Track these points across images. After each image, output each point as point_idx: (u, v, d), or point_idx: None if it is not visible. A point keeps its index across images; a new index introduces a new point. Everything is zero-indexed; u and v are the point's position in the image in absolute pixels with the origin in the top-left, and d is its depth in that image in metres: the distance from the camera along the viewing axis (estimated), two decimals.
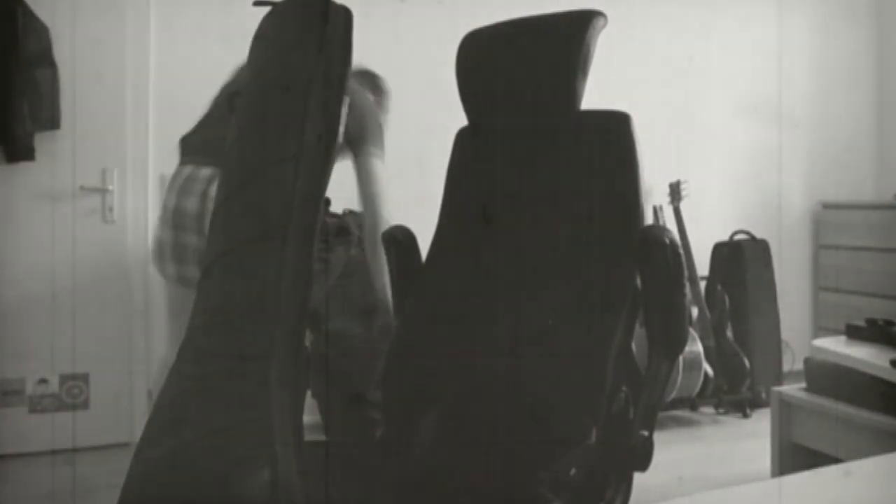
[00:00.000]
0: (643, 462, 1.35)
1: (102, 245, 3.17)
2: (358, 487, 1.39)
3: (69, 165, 3.09)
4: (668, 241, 1.38)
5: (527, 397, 1.43)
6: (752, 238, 3.92)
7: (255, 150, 1.39)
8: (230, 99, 1.52)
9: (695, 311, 3.56)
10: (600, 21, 1.56)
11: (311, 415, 3.41)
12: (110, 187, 3.16)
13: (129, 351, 3.18)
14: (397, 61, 3.52)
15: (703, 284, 3.69)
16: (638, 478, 1.39)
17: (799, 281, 4.37)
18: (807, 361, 2.47)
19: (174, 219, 2.14)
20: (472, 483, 1.35)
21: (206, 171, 2.12)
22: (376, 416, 2.51)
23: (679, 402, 3.47)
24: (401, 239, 1.73)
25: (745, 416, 3.58)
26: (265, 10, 1.50)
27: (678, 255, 1.37)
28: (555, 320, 1.48)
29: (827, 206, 4.36)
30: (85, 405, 3.11)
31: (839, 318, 3.20)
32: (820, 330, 4.20)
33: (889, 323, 2.43)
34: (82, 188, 3.12)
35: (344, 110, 1.30)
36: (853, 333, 2.46)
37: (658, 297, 1.39)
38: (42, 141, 3.03)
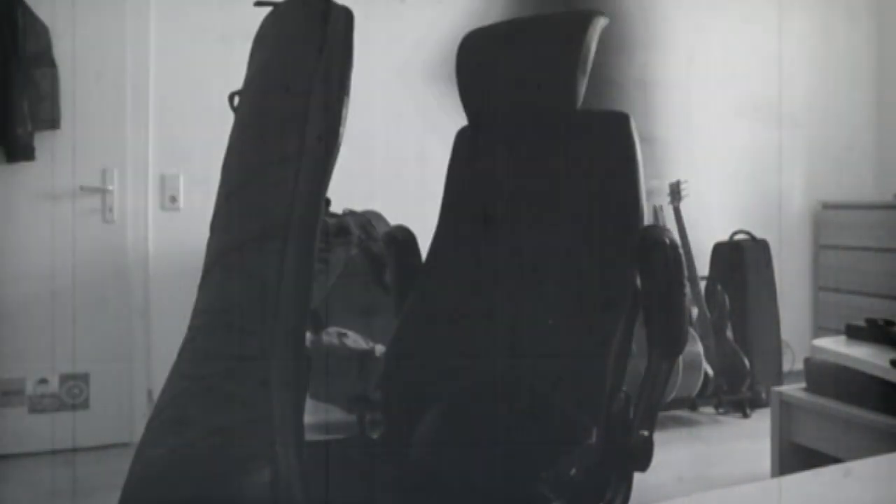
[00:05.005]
0: (643, 462, 1.35)
1: (102, 245, 3.17)
2: (358, 487, 1.39)
3: (69, 165, 3.09)
4: (668, 241, 1.38)
5: (527, 397, 1.43)
6: (752, 238, 3.93)
7: (255, 150, 1.39)
8: (231, 98, 1.52)
9: (695, 311, 3.56)
10: (600, 21, 1.56)
11: (310, 415, 3.41)
12: (110, 187, 3.16)
13: (129, 351, 3.18)
14: (397, 61, 3.52)
15: (703, 284, 3.69)
16: (638, 478, 1.39)
17: (799, 281, 4.37)
18: (807, 361, 2.47)
19: None
20: (471, 483, 1.35)
21: None
22: (377, 416, 2.50)
23: (679, 402, 3.47)
24: (401, 239, 1.73)
25: (745, 416, 3.58)
26: (266, 10, 1.50)
27: (678, 255, 1.37)
28: (555, 320, 1.48)
29: (827, 206, 4.36)
30: (85, 405, 3.11)
31: (839, 318, 3.21)
32: (820, 330, 4.20)
33: (889, 323, 2.43)
34: (82, 188, 3.12)
35: (344, 111, 1.30)
36: (853, 333, 2.46)
37: (658, 297, 1.39)
38: (42, 141, 3.03)
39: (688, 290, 1.43)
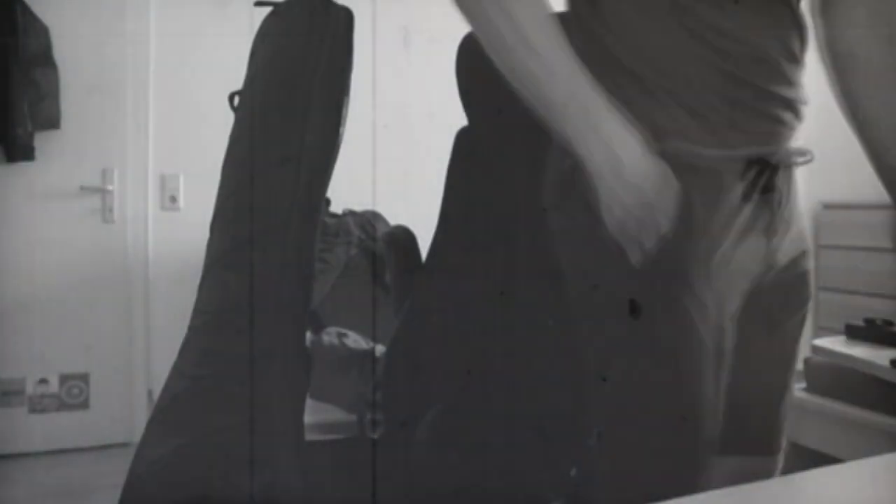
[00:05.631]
0: None
1: (102, 245, 3.17)
2: (358, 487, 1.39)
3: (69, 165, 3.09)
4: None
5: (526, 397, 1.43)
6: None
7: (255, 150, 1.39)
8: (231, 98, 1.52)
9: None
10: None
11: (310, 415, 3.41)
12: (110, 187, 3.16)
13: (129, 351, 3.18)
14: (398, 60, 3.53)
15: None
16: None
17: None
18: (807, 361, 2.47)
19: None
20: (471, 483, 1.35)
21: None
22: (377, 416, 2.50)
23: None
24: (401, 239, 1.74)
25: None
26: (266, 10, 1.50)
27: None
28: (555, 321, 1.48)
29: (827, 206, 4.36)
30: (85, 405, 3.11)
31: (839, 318, 3.20)
32: (820, 330, 4.19)
33: (888, 323, 2.43)
34: (82, 188, 3.12)
35: (344, 111, 1.31)
36: (852, 333, 2.46)
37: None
38: (42, 141, 3.03)
39: None
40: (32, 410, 3.05)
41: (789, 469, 1.02)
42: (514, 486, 1.31)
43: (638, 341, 0.97)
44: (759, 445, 1.09)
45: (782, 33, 1.00)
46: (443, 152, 1.77)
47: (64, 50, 3.05)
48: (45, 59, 3.02)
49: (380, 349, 2.91)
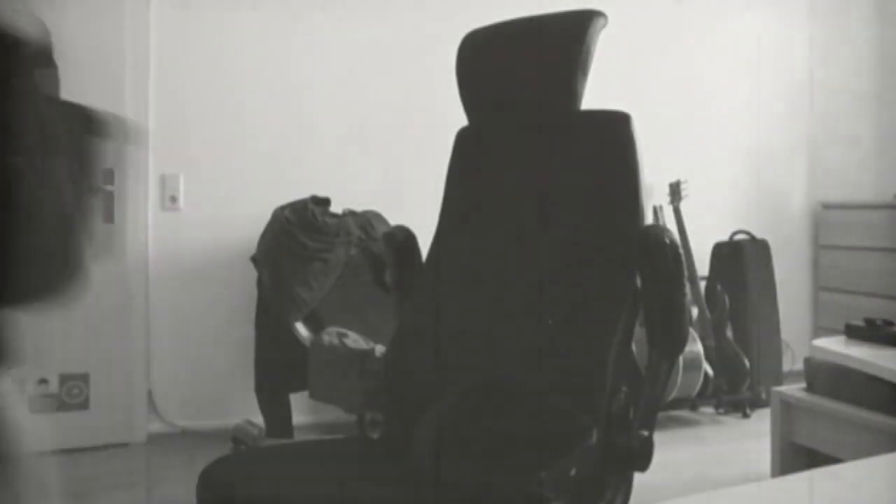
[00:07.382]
0: (643, 462, 1.35)
1: (102, 245, 3.16)
2: (358, 487, 1.39)
3: None
4: (668, 241, 1.38)
5: (527, 397, 1.43)
6: (752, 238, 3.93)
7: None
8: None
9: (695, 311, 3.56)
10: (600, 21, 1.56)
11: (310, 415, 3.42)
12: (110, 187, 3.16)
13: (129, 351, 3.18)
14: (398, 60, 3.53)
15: (703, 284, 3.69)
16: (638, 478, 1.39)
17: (799, 281, 4.37)
18: (807, 361, 2.47)
19: None
20: (471, 483, 1.35)
21: None
22: (377, 416, 2.50)
23: (679, 402, 3.47)
24: (401, 239, 1.73)
25: (745, 416, 3.58)
26: None
27: (678, 255, 1.37)
28: (555, 320, 1.48)
29: (827, 206, 4.36)
30: (85, 405, 3.11)
31: (839, 318, 3.20)
32: (820, 330, 4.19)
33: (888, 323, 2.43)
34: None
35: None
36: (852, 333, 2.46)
37: (658, 297, 1.39)
38: None
39: (688, 290, 1.43)
40: (32, 410, 3.05)
41: (790, 469, 1.02)
42: (513, 486, 1.31)
43: None
44: None
45: None
46: (443, 152, 1.77)
47: (64, 50, 3.04)
48: (46, 59, 3.01)
49: (380, 349, 2.91)
